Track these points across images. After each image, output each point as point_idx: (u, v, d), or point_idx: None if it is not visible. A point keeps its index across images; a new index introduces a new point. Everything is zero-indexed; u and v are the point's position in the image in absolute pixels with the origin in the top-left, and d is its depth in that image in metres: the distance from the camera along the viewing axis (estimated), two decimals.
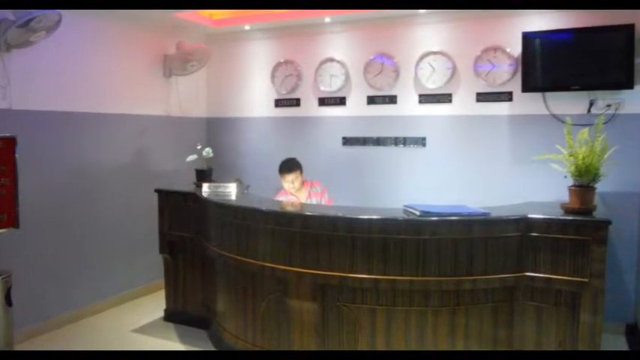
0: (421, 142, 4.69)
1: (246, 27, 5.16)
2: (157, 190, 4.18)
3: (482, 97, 4.45)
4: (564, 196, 2.97)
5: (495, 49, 4.33)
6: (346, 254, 2.96)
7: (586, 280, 2.74)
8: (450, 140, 4.59)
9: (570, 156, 2.87)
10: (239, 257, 3.35)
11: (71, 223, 4.26)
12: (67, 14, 3.69)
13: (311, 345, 3.17)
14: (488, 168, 4.44)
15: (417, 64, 4.60)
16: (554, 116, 4.17)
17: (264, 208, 3.28)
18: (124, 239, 4.70)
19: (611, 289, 2.97)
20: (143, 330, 4.14)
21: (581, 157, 2.83)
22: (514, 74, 4.28)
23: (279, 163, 4.39)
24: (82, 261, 4.37)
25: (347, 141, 5.00)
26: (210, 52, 5.10)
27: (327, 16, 4.72)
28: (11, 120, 3.73)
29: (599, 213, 2.87)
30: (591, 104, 4.02)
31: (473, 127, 4.49)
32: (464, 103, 4.52)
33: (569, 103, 4.08)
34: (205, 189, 3.78)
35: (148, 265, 4.79)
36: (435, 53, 4.54)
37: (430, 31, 4.60)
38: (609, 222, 2.73)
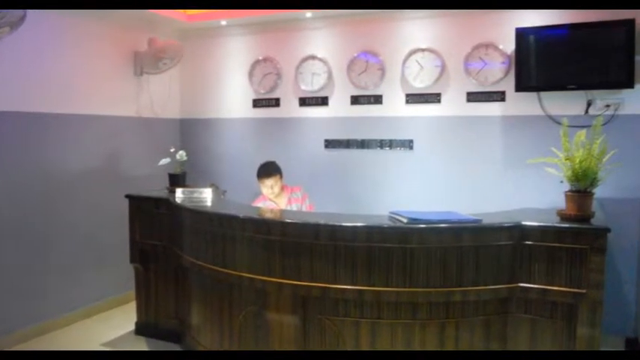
0: (408, 144, 4.61)
1: (223, 22, 5.08)
2: (127, 196, 4.11)
3: (473, 96, 4.38)
4: (560, 202, 2.90)
5: (487, 45, 4.26)
6: (329, 264, 2.89)
7: (583, 291, 2.68)
8: (438, 143, 4.53)
9: (567, 159, 2.82)
10: (215, 267, 3.28)
11: (36, 230, 4.16)
12: (31, 10, 3.59)
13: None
14: (479, 172, 4.37)
15: (404, 61, 4.53)
16: (550, 117, 4.11)
17: (241, 215, 3.21)
18: (93, 248, 4.60)
19: (610, 300, 2.95)
20: (113, 344, 4.06)
21: (578, 160, 2.77)
22: (507, 73, 4.21)
23: (257, 166, 4.31)
24: (48, 271, 4.26)
25: (329, 143, 4.92)
26: (183, 48, 5.02)
27: (308, 11, 4.63)
28: None
29: (598, 220, 2.80)
30: (589, 104, 3.97)
31: (463, 129, 4.42)
32: (453, 104, 4.45)
33: (566, 104, 4.03)
34: (179, 194, 3.75)
35: (118, 276, 4.70)
36: (422, 50, 4.47)
37: (418, 27, 4.53)
38: (608, 229, 2.66)
